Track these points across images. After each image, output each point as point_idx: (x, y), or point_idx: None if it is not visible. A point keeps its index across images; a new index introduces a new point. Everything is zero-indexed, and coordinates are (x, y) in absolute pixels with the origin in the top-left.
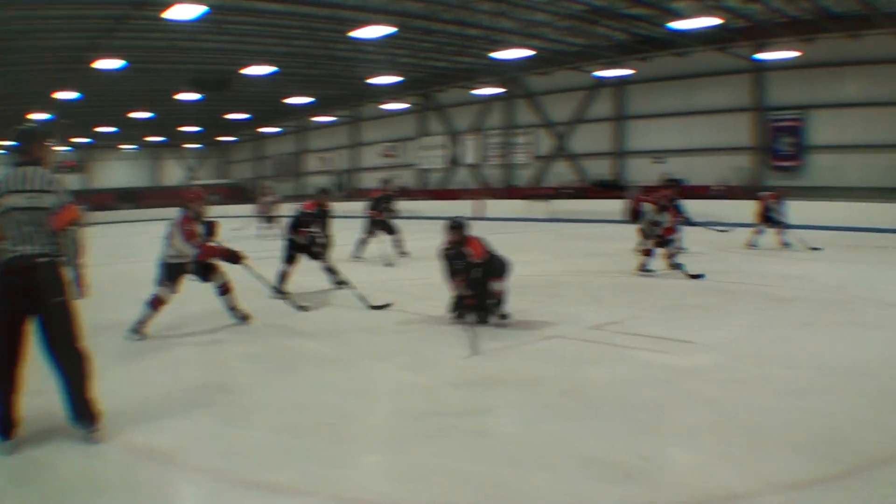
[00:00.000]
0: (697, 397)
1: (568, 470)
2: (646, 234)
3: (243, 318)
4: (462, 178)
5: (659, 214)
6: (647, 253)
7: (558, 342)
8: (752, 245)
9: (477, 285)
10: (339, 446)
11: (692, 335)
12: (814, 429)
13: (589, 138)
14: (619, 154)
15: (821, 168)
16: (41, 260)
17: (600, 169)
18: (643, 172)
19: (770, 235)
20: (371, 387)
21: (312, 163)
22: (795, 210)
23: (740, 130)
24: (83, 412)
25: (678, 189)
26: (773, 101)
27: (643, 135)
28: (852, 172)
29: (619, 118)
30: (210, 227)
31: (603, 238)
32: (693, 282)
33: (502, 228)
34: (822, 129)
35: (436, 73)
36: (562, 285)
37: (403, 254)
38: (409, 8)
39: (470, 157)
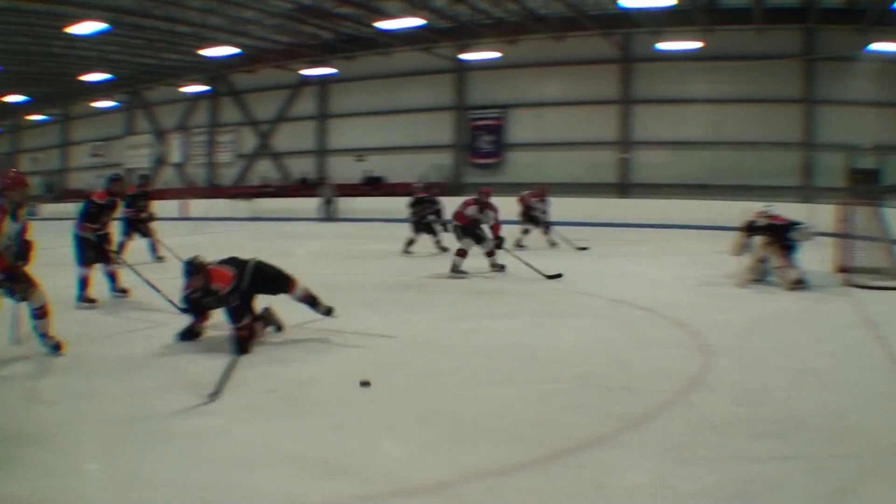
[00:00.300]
0: (400, 390)
1: (277, 468)
2: (461, 235)
3: (55, 347)
4: (168, 177)
5: (481, 213)
6: (464, 254)
7: (261, 341)
8: (519, 245)
9: (241, 309)
10: (55, 456)
11: (394, 329)
12: (514, 416)
13: (293, 136)
14: (323, 152)
15: (520, 165)
16: None
17: (304, 167)
18: (346, 170)
19: (536, 234)
20: (81, 394)
21: (25, 163)
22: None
23: (442, 129)
24: None
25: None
26: (475, 101)
27: (347, 133)
28: (551, 169)
29: (324, 116)
30: (24, 247)
31: (304, 236)
32: (396, 278)
33: (206, 228)
34: (523, 127)
35: (145, 70)
36: None
37: (160, 258)
38: (120, 4)
39: (175, 155)
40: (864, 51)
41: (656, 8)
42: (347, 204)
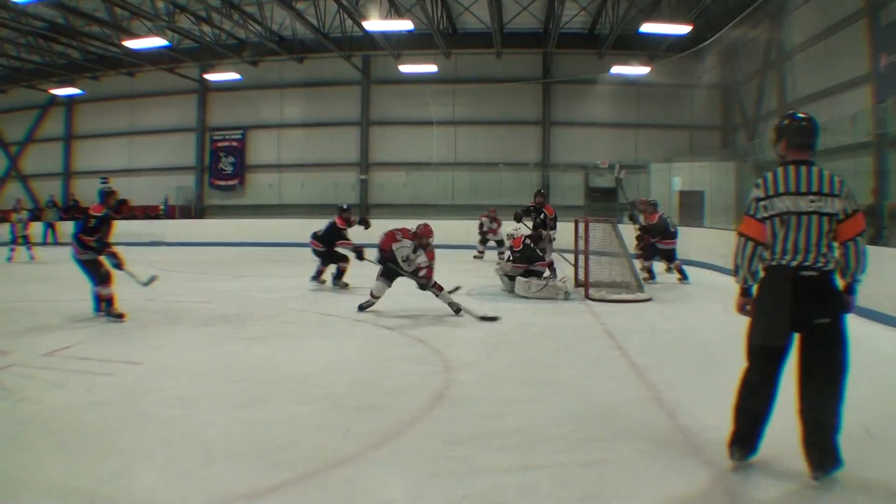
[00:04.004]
0: (148, 417)
1: (34, 500)
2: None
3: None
4: None
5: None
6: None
7: (12, 371)
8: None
9: None
10: None
11: (140, 356)
12: (260, 438)
13: (41, 158)
14: (69, 174)
15: (260, 186)
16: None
17: (53, 189)
18: (93, 193)
19: None
20: None
21: None
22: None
23: (185, 150)
24: None
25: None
26: (217, 122)
27: (93, 154)
28: (292, 190)
29: (70, 138)
30: None
31: (53, 261)
32: (142, 304)
33: None
34: (263, 148)
35: None
36: (9, 312)
37: None
38: None
39: None
40: (609, 74)
41: (398, 31)
42: None
